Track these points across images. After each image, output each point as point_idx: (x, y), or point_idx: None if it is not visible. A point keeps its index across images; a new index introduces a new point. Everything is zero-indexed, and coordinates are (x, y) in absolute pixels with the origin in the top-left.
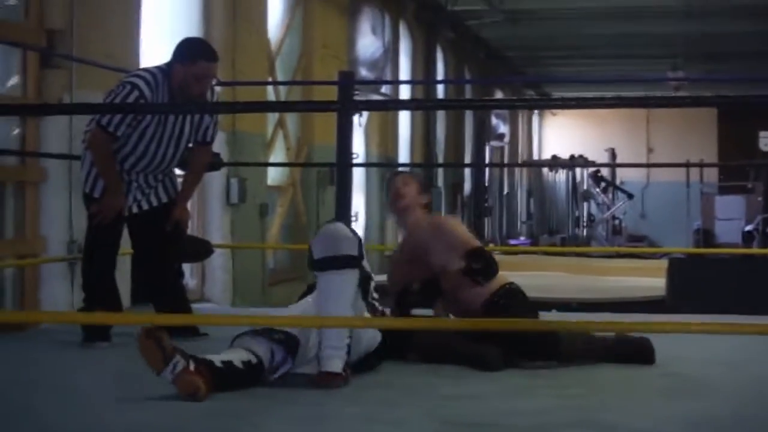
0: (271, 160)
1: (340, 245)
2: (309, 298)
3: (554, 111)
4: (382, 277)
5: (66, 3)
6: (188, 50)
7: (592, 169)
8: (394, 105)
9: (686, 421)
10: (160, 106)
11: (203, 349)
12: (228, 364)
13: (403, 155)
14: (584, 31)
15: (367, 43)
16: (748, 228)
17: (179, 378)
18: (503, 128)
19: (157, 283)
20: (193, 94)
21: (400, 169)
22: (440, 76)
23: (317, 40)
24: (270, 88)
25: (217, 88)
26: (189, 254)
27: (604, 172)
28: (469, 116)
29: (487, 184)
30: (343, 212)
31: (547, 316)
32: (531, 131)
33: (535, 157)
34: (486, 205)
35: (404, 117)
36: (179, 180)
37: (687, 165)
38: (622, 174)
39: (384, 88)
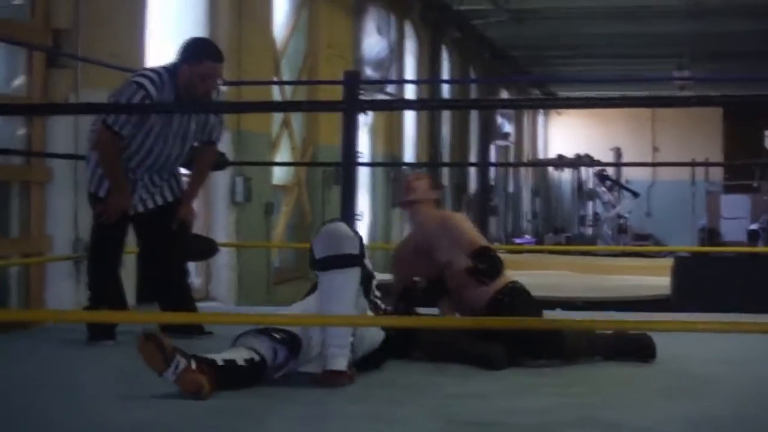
0: (277, 159)
1: (341, 244)
2: (310, 298)
3: (559, 110)
4: (386, 276)
5: (72, 3)
6: (194, 50)
7: (597, 168)
8: (399, 105)
9: (689, 420)
10: (166, 105)
11: (208, 348)
12: (230, 362)
13: (409, 155)
14: (589, 31)
15: (373, 43)
16: (753, 227)
17: (182, 377)
18: (508, 127)
19: (163, 281)
20: (199, 94)
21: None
22: (445, 75)
23: (323, 39)
24: (275, 87)
25: (223, 88)
26: (194, 253)
27: (610, 171)
28: (474, 116)
29: (492, 184)
30: (349, 211)
31: (552, 315)
32: (536, 130)
33: (541, 156)
34: (491, 204)
35: (409, 116)
36: (185, 179)
37: (692, 164)
38: (627, 173)
39: (389, 88)
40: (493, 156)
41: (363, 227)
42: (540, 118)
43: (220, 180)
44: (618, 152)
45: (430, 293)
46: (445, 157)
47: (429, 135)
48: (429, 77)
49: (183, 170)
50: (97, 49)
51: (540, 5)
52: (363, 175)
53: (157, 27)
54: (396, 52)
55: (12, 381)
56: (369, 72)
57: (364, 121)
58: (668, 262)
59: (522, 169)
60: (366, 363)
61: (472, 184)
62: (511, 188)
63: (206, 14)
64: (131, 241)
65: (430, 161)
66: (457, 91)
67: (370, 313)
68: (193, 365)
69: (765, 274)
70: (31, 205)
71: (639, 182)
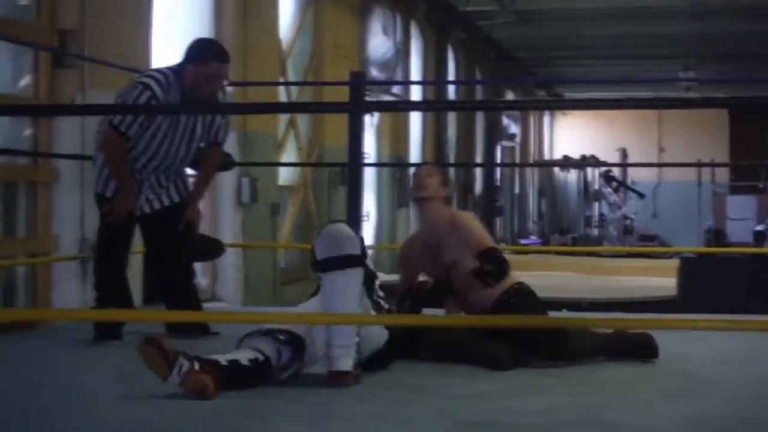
0: (283, 160)
1: (342, 245)
2: (313, 299)
3: (565, 111)
4: (391, 277)
5: (77, 3)
6: (200, 51)
7: (603, 169)
8: (405, 106)
9: (690, 420)
10: (172, 106)
11: (214, 348)
12: (234, 362)
13: (414, 155)
14: (595, 32)
15: (378, 44)
16: (759, 228)
17: (186, 378)
18: (514, 128)
19: (169, 282)
20: (205, 95)
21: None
22: (451, 76)
23: (328, 40)
24: (281, 88)
25: (229, 89)
26: (200, 253)
27: (616, 171)
28: (480, 116)
29: (498, 184)
30: (355, 212)
31: (558, 316)
32: (542, 131)
33: (546, 157)
34: (497, 204)
35: (415, 117)
36: (191, 180)
37: (698, 165)
38: (633, 174)
39: (395, 89)
40: (498, 157)
41: (369, 228)
42: (546, 119)
43: (226, 181)
44: (624, 153)
45: (436, 294)
46: (451, 158)
47: (435, 136)
48: (435, 78)
49: (189, 171)
50: (103, 50)
51: (546, 6)
52: (369, 175)
53: (163, 27)
54: (402, 53)
55: (17, 380)
56: (375, 72)
57: (370, 121)
58: (674, 263)
59: (528, 170)
60: (371, 363)
61: (478, 185)
62: (516, 189)
63: (212, 15)
64: (138, 242)
65: (436, 162)
66: (463, 91)
67: (373, 313)
68: (197, 366)
69: None
70: (37, 205)
71: (645, 183)
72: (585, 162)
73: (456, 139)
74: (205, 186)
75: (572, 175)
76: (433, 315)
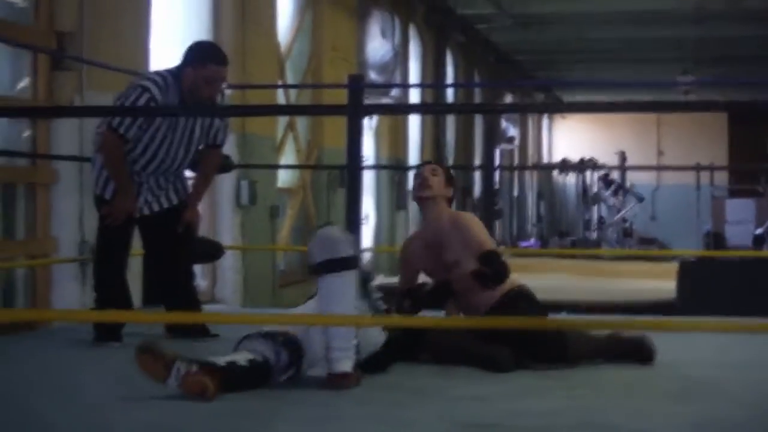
0: (282, 162)
1: (337, 248)
2: (310, 302)
3: (564, 114)
4: (391, 279)
5: (76, 5)
6: (198, 53)
7: (602, 172)
8: (404, 109)
9: (692, 423)
10: (171, 108)
11: (214, 351)
12: (232, 363)
13: (413, 158)
14: (594, 35)
15: (377, 46)
16: (759, 231)
17: (184, 381)
18: (513, 131)
19: (169, 284)
20: (203, 97)
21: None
22: (450, 79)
23: (327, 42)
24: (280, 90)
25: (227, 91)
26: (200, 255)
27: (615, 175)
28: (479, 119)
29: (497, 187)
30: (354, 215)
31: (557, 319)
32: (541, 134)
33: (545, 159)
34: (496, 207)
35: (414, 120)
36: (190, 182)
37: (697, 168)
38: (632, 177)
39: (394, 91)
40: (497, 160)
41: (368, 230)
42: (544, 122)
43: (225, 183)
44: (623, 156)
45: (436, 295)
46: (450, 161)
47: (433, 138)
48: (433, 81)
49: (188, 173)
50: (101, 52)
51: (544, 10)
52: (368, 178)
53: (162, 30)
54: (400, 56)
55: (16, 381)
56: (373, 75)
57: (369, 124)
58: (673, 266)
59: (527, 173)
60: (370, 365)
61: (477, 188)
62: (515, 192)
63: (210, 17)
64: (137, 244)
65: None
66: (462, 95)
67: (369, 314)
68: (194, 368)
69: None
70: (36, 206)
71: (644, 186)
72: (584, 165)
73: (455, 142)
74: (204, 188)
75: (571, 178)
76: (431, 317)
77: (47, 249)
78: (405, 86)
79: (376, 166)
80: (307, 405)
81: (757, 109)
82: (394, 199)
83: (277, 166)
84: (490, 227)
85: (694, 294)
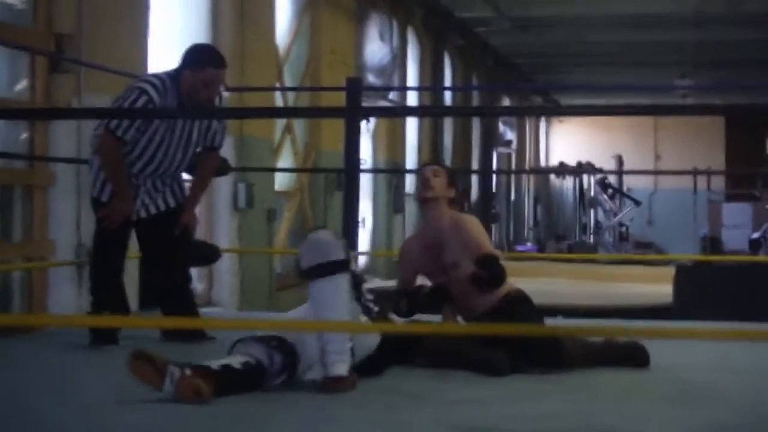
0: (279, 165)
1: (327, 251)
2: (302, 307)
3: (561, 118)
4: (387, 283)
5: (74, 7)
6: (197, 56)
7: (599, 176)
8: (401, 112)
9: (689, 428)
10: (169, 111)
11: (210, 354)
12: (226, 366)
13: (411, 161)
14: (592, 39)
15: (375, 49)
16: (755, 236)
17: (179, 384)
18: (510, 135)
19: (165, 287)
20: (201, 100)
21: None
22: (448, 82)
23: (325, 45)
24: (278, 93)
25: (225, 94)
26: (197, 258)
27: (612, 179)
28: (476, 122)
29: (494, 191)
30: (351, 218)
31: (554, 323)
32: (538, 138)
33: (542, 163)
34: (493, 211)
35: (412, 123)
36: (187, 185)
37: (694, 172)
38: (629, 181)
39: (391, 94)
40: (495, 163)
41: (365, 234)
42: (542, 126)
43: (223, 186)
44: (620, 160)
45: (433, 298)
46: (447, 164)
47: (431, 142)
48: (431, 84)
49: (185, 176)
50: (99, 54)
51: (543, 13)
52: (365, 181)
53: (160, 32)
54: (398, 59)
55: (13, 385)
56: (371, 78)
57: (367, 127)
58: (670, 271)
59: (524, 177)
60: (365, 368)
61: (474, 191)
62: (512, 195)
63: (209, 20)
64: (134, 246)
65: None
66: (460, 98)
67: (362, 316)
68: (188, 372)
69: (766, 282)
70: (33, 209)
71: (641, 190)
72: (581, 169)
73: (452, 146)
74: (201, 191)
75: (568, 182)
76: (425, 323)
77: (44, 251)
78: (403, 89)
79: (374, 170)
80: (302, 408)
81: (755, 113)
82: (391, 203)
83: (274, 169)
84: (487, 231)
85: (691, 298)
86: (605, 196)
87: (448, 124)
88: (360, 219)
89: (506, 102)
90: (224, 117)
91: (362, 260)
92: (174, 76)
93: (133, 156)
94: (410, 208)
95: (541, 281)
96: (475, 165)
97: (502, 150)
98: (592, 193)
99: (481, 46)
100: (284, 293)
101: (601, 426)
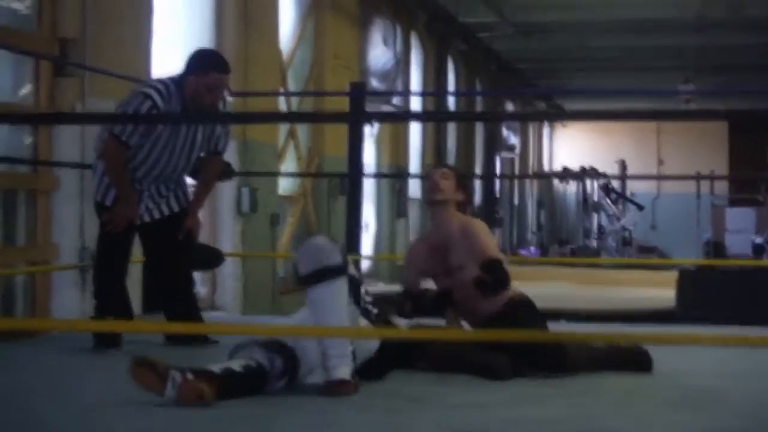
0: (282, 169)
1: (323, 257)
2: (302, 312)
3: (565, 123)
4: (391, 287)
5: (78, 12)
6: (200, 61)
7: (602, 181)
8: (405, 117)
9: None
10: (173, 116)
11: (213, 357)
12: (227, 369)
13: (414, 165)
14: (595, 44)
15: (379, 54)
16: (759, 240)
17: (181, 389)
18: (514, 139)
19: (169, 291)
20: (205, 105)
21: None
22: (451, 87)
23: (328, 50)
24: (282, 98)
25: (229, 99)
26: (200, 263)
27: (615, 183)
28: (479, 127)
29: (497, 195)
30: (354, 222)
31: (557, 327)
32: (541, 142)
33: (546, 168)
34: (496, 215)
35: (415, 128)
36: (191, 189)
37: (697, 177)
38: (632, 185)
39: (395, 99)
40: (498, 168)
41: (368, 238)
42: (545, 130)
43: (226, 190)
44: (623, 165)
45: (437, 303)
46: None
47: (434, 146)
48: (435, 89)
49: (189, 180)
50: (103, 59)
51: (546, 18)
52: (368, 185)
53: (164, 37)
54: (402, 64)
55: (16, 388)
56: (375, 83)
57: (370, 132)
58: (673, 275)
59: (527, 181)
60: (366, 372)
61: (477, 196)
62: (516, 200)
63: (213, 25)
64: (137, 251)
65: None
66: (463, 102)
67: (362, 319)
68: (189, 376)
69: None
70: (37, 213)
71: (644, 195)
72: (584, 173)
73: (456, 150)
74: (205, 195)
75: (571, 187)
76: (429, 327)
77: (48, 256)
78: (406, 94)
79: (377, 174)
80: (305, 412)
81: (758, 118)
82: (394, 207)
83: (278, 174)
84: None
85: (694, 303)
86: (608, 201)
87: (451, 128)
88: (363, 223)
89: (509, 106)
90: (228, 122)
91: (365, 264)
92: (178, 81)
93: (137, 161)
94: (414, 212)
95: (544, 285)
96: (478, 169)
97: (506, 154)
98: (595, 198)
99: (485, 51)
100: (287, 297)
101: (603, 430)
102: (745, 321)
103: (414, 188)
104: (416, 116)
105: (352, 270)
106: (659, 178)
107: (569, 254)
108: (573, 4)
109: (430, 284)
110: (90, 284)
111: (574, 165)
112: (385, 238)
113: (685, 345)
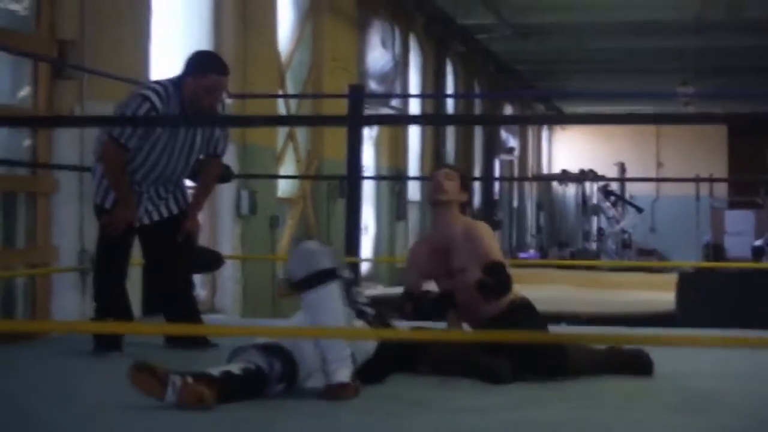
0: (282, 172)
1: (315, 261)
2: (298, 317)
3: (564, 125)
4: (390, 290)
5: (77, 14)
6: (199, 63)
7: (601, 183)
8: (404, 120)
9: None
10: (172, 118)
11: (213, 360)
12: (227, 372)
13: (413, 168)
14: (594, 46)
15: (377, 56)
16: (758, 243)
17: (182, 392)
18: (513, 142)
19: (168, 293)
20: (204, 107)
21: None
22: (450, 89)
23: (327, 52)
24: (280, 100)
25: (228, 101)
26: (199, 265)
27: (614, 186)
28: (478, 129)
29: (496, 198)
30: (353, 225)
31: (557, 330)
32: (540, 145)
33: (545, 170)
34: (496, 218)
35: (414, 130)
36: (190, 192)
37: (696, 180)
38: (631, 188)
39: (394, 101)
40: (497, 170)
41: (367, 240)
42: (544, 133)
43: (226, 193)
44: (622, 167)
45: (438, 305)
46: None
47: (434, 149)
48: (433, 91)
49: (188, 183)
50: (102, 61)
51: (544, 20)
52: (367, 188)
53: (163, 39)
54: (400, 66)
55: (16, 391)
56: (373, 85)
57: (369, 134)
58: (672, 278)
59: (526, 184)
60: (365, 375)
61: (477, 199)
62: (515, 203)
63: (211, 27)
64: (137, 253)
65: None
66: (462, 105)
67: (357, 320)
68: (189, 379)
69: None
70: (36, 215)
71: (643, 197)
72: (583, 176)
73: (454, 152)
74: (204, 198)
75: (571, 189)
76: (429, 329)
77: (47, 258)
78: (405, 96)
79: (376, 177)
80: (305, 415)
81: (757, 121)
82: (393, 210)
83: (277, 176)
84: None
85: (694, 305)
86: (608, 204)
87: (450, 130)
88: (363, 226)
89: (508, 109)
90: (227, 125)
91: (365, 267)
92: (177, 83)
93: (136, 163)
94: (413, 215)
95: (543, 288)
96: (477, 172)
97: (505, 157)
98: (594, 201)
99: (483, 53)
100: (287, 300)
101: None
102: (745, 323)
103: (413, 191)
104: (415, 119)
105: (344, 272)
106: (658, 180)
107: (569, 257)
108: (571, 6)
109: (431, 286)
110: (90, 286)
111: (574, 167)
112: (385, 240)
113: (685, 347)
